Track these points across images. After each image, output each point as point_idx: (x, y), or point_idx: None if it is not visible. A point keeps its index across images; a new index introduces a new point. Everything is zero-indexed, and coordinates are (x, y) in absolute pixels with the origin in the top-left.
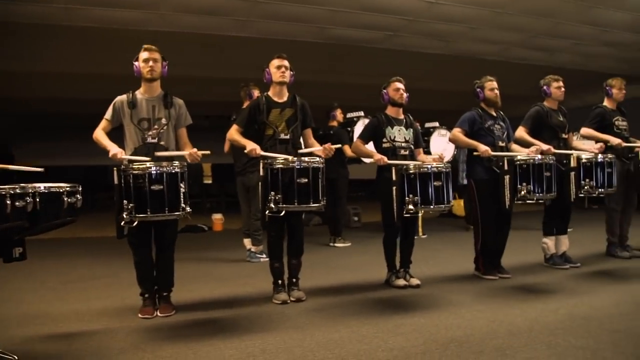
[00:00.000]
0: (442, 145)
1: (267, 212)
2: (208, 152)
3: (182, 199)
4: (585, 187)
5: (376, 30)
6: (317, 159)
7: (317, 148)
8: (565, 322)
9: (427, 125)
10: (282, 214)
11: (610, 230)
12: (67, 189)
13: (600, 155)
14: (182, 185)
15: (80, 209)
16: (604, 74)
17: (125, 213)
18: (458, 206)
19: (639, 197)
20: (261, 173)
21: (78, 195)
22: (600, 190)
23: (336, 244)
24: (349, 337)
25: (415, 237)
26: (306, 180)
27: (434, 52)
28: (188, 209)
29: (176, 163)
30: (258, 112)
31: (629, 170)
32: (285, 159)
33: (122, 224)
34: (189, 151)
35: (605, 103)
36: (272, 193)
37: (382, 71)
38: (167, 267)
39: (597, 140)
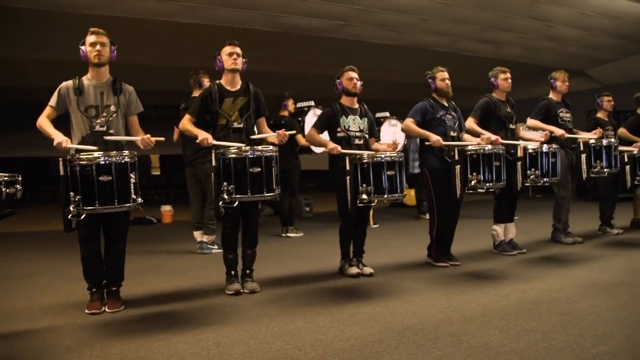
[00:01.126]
0: (393, 135)
1: (221, 203)
2: (162, 138)
3: (132, 190)
4: (531, 176)
5: (328, 19)
6: (271, 147)
7: (271, 134)
8: (516, 307)
9: (378, 115)
10: (235, 205)
11: (557, 217)
12: (5, 178)
13: (545, 146)
14: (132, 175)
15: (23, 202)
16: (548, 68)
17: (72, 206)
18: (409, 196)
19: (578, 187)
20: (213, 163)
21: (17, 186)
22: (545, 179)
23: (289, 235)
24: (305, 327)
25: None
26: (259, 169)
27: (385, 42)
28: (139, 200)
29: (126, 152)
30: (210, 101)
31: (571, 160)
32: (238, 148)
33: (69, 217)
34: (142, 136)
35: (551, 95)
36: (225, 184)
37: (333, 61)
38: (118, 261)
39: (543, 131)
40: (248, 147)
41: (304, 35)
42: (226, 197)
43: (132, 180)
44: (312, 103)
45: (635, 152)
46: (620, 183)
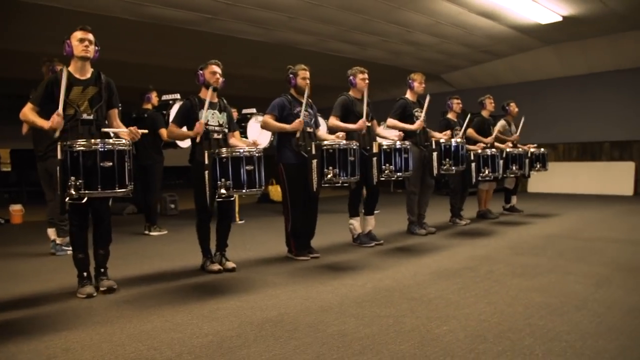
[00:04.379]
0: (259, 131)
1: (68, 199)
2: None
3: None
4: (386, 171)
5: (195, 11)
6: (124, 141)
7: (122, 130)
8: (371, 295)
9: (245, 111)
10: (84, 201)
11: (410, 211)
12: None
13: (398, 142)
14: None
15: None
16: (407, 70)
17: None
18: (275, 191)
19: (437, 182)
20: (59, 156)
21: None
22: (398, 174)
23: (151, 233)
24: (162, 326)
25: (232, 223)
26: (111, 163)
27: (254, 38)
28: None
29: None
30: (57, 89)
31: (424, 157)
32: (87, 140)
33: None
34: None
35: (407, 95)
36: (73, 178)
37: (200, 55)
38: None
39: (401, 130)
40: (99, 140)
41: (170, 26)
42: (74, 192)
43: None
44: (178, 96)
45: (479, 151)
46: (468, 179)
